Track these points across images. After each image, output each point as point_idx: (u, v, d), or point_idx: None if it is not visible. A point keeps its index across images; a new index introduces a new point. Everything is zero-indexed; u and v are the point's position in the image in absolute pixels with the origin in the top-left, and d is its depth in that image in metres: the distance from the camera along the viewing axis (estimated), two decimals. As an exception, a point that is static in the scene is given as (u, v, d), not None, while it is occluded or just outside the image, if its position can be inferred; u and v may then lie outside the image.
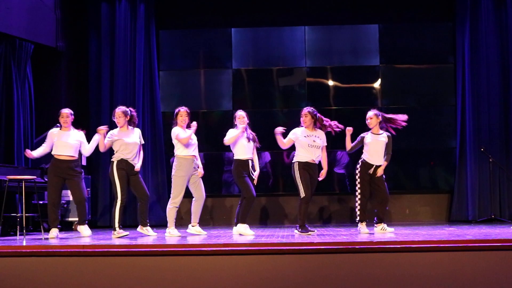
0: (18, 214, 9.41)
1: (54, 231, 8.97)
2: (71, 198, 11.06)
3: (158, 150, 12.18)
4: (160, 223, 11.92)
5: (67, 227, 11.03)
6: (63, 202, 10.96)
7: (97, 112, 12.21)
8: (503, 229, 9.21)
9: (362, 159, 9.07)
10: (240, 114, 9.28)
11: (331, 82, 12.66)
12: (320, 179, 8.80)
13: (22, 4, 11.08)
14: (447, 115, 12.39)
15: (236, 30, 12.77)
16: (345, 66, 12.66)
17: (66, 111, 9.11)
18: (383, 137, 9.16)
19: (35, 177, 9.43)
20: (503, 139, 11.89)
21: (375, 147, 9.03)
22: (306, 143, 8.65)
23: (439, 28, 12.66)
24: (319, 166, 8.75)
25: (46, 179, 10.47)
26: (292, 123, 12.02)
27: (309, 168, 8.65)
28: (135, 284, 6.74)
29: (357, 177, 9.09)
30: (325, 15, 12.72)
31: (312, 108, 8.90)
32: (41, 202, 10.28)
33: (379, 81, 12.56)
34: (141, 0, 12.29)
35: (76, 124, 10.93)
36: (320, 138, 8.72)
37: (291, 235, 8.59)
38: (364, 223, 9.00)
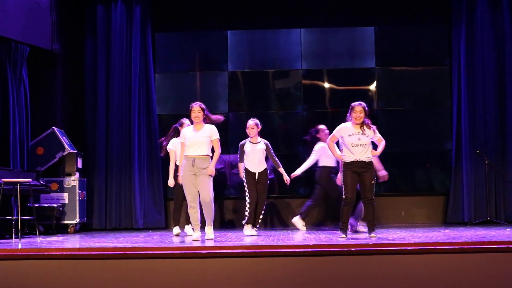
0: (14, 217, 9.40)
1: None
2: (66, 201, 11.10)
3: (154, 153, 12.15)
4: (156, 226, 11.93)
5: (62, 230, 11.01)
6: (59, 204, 10.95)
7: (93, 114, 12.19)
8: (499, 231, 9.23)
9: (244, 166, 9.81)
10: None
11: (327, 85, 12.66)
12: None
13: (18, 6, 11.06)
14: (443, 117, 12.40)
15: (232, 32, 12.77)
16: (341, 68, 12.65)
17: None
18: (261, 145, 9.80)
19: (30, 180, 9.42)
20: (499, 141, 11.90)
21: (252, 156, 9.76)
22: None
23: (435, 31, 12.66)
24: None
25: (43, 182, 10.48)
26: (288, 125, 12.08)
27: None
28: (130, 287, 6.73)
29: (244, 183, 9.79)
30: (321, 18, 12.71)
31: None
32: (36, 205, 10.26)
33: (375, 83, 12.56)
34: (137, 3, 12.27)
35: (71, 127, 10.97)
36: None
37: (287, 237, 8.60)
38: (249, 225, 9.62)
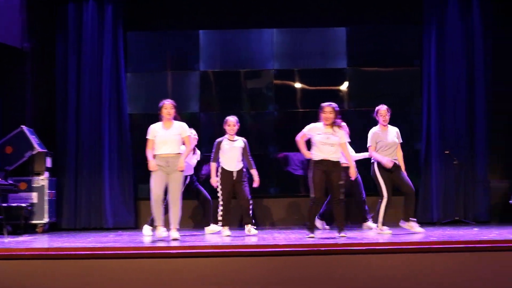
0: (-19, 217, 9.31)
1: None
2: (35, 200, 11.00)
3: (124, 152, 12.10)
4: (126, 226, 11.87)
5: (31, 230, 10.91)
6: (28, 204, 10.86)
7: (63, 113, 12.10)
8: (467, 231, 9.31)
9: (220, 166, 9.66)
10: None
11: (298, 85, 12.68)
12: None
13: (-14, 4, 10.96)
14: (413, 118, 12.47)
15: (204, 32, 12.74)
16: (312, 68, 12.68)
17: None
18: (239, 143, 9.65)
19: (-2, 179, 9.34)
20: (468, 142, 11.99)
21: (229, 154, 9.61)
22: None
23: (406, 32, 12.74)
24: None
25: (11, 182, 10.37)
26: (259, 125, 12.07)
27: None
28: (100, 287, 6.70)
29: (217, 183, 9.66)
30: (293, 18, 12.72)
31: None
32: (4, 205, 10.16)
33: (346, 84, 12.61)
34: (109, 2, 12.20)
35: (41, 126, 10.87)
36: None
37: (257, 237, 8.60)
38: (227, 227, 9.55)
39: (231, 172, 9.61)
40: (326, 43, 12.77)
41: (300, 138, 8.67)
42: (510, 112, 12.35)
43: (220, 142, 9.71)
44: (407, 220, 9.32)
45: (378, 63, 12.69)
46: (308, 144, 8.65)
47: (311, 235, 8.41)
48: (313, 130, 8.56)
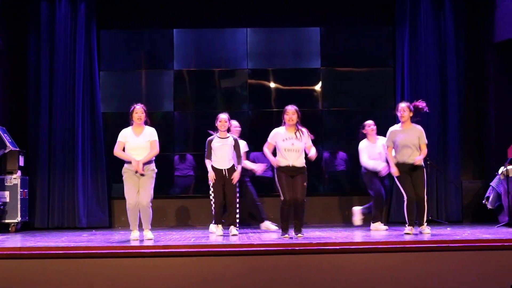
0: None
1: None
2: (7, 200, 10.91)
3: (98, 151, 12.04)
4: (100, 225, 11.81)
5: (3, 229, 10.81)
6: (0, 203, 10.77)
7: (36, 111, 12.00)
8: (439, 230, 9.38)
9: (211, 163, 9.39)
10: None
11: (272, 84, 12.70)
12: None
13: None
14: (386, 118, 12.49)
15: (178, 31, 12.72)
16: (286, 68, 12.71)
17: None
18: (230, 140, 9.42)
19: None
20: (441, 142, 12.09)
21: (220, 152, 9.35)
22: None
23: (379, 32, 12.82)
24: None
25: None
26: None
27: None
28: (73, 286, 6.67)
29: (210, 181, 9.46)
30: (267, 18, 12.75)
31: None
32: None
33: (320, 83, 12.65)
34: (82, 0, 12.14)
35: (13, 125, 10.77)
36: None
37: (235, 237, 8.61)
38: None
39: (222, 171, 9.44)
40: (300, 43, 12.81)
41: (267, 149, 8.68)
42: (482, 112, 12.47)
43: (211, 141, 9.47)
44: (420, 225, 9.10)
45: (351, 64, 12.76)
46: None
47: (286, 235, 8.47)
48: (277, 137, 8.60)
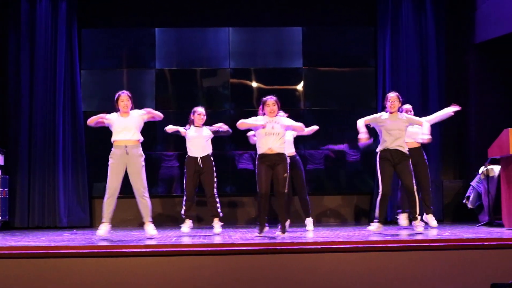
0: None
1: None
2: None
3: (79, 150, 11.99)
4: (81, 224, 11.77)
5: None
6: None
7: (16, 110, 11.92)
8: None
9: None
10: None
11: (254, 84, 12.71)
12: None
13: None
14: (367, 118, 12.58)
15: (160, 30, 12.69)
16: (268, 68, 12.72)
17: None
18: (206, 131, 9.57)
19: None
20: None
21: (196, 141, 9.47)
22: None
23: (361, 32, 12.86)
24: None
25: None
26: (215, 124, 12.02)
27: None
28: (54, 286, 6.64)
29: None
30: (249, 17, 12.76)
31: None
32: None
33: (302, 83, 12.67)
34: (63, -2, 12.10)
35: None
36: None
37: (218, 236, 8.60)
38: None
39: (195, 159, 9.44)
40: (282, 42, 12.82)
41: (243, 124, 8.60)
42: (463, 112, 12.53)
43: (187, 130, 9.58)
44: (413, 218, 9.01)
45: (333, 63, 12.79)
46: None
47: (259, 233, 8.49)
48: (258, 121, 8.53)
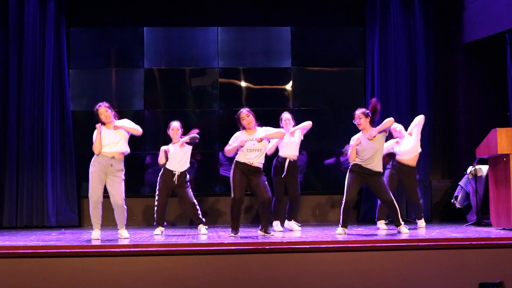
0: None
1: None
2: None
3: (67, 150, 11.95)
4: (69, 224, 11.73)
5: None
6: None
7: (4, 109, 11.84)
8: (409, 230, 9.43)
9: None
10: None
11: (243, 83, 12.71)
12: None
13: None
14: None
15: (148, 29, 12.66)
16: (257, 67, 12.72)
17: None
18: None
19: None
20: (410, 142, 12.17)
21: (175, 156, 9.47)
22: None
23: (350, 32, 12.89)
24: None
25: None
26: (204, 123, 12.02)
27: None
28: (42, 285, 6.63)
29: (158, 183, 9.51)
30: (238, 17, 12.75)
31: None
32: None
33: (290, 83, 12.68)
34: (51, -3, 12.06)
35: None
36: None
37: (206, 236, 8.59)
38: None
39: (172, 172, 9.52)
40: (271, 42, 12.83)
41: (228, 152, 8.75)
42: (451, 112, 12.60)
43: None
44: (397, 226, 9.02)
45: (322, 63, 12.80)
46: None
47: (232, 234, 8.59)
48: (238, 139, 8.69)
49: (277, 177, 9.82)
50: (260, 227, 8.82)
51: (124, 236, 8.56)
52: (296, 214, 10.34)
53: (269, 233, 8.67)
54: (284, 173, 9.74)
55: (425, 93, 12.29)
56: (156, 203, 9.60)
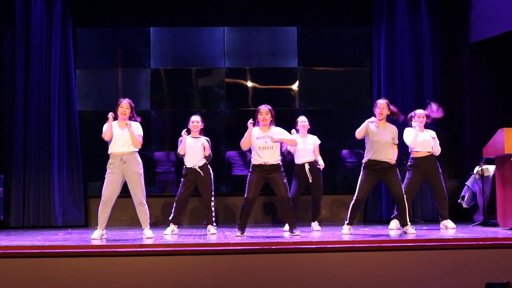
0: None
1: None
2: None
3: (74, 150, 11.96)
4: (75, 224, 11.75)
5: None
6: None
7: (11, 109, 11.88)
8: (416, 230, 9.41)
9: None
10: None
11: (249, 83, 12.71)
12: None
13: None
14: (362, 118, 12.53)
15: (155, 29, 12.68)
16: (263, 67, 12.73)
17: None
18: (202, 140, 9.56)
19: None
20: (417, 142, 12.16)
21: (193, 150, 9.52)
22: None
23: (356, 32, 12.88)
24: None
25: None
26: (211, 123, 12.02)
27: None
28: (48, 285, 6.63)
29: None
30: (244, 17, 12.76)
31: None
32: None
33: (297, 83, 12.68)
34: (58, -3, 12.08)
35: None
36: None
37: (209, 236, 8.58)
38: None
39: (191, 168, 9.49)
40: (277, 42, 12.84)
41: (243, 143, 8.69)
42: (458, 112, 12.57)
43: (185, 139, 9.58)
44: (403, 225, 8.96)
45: (328, 63, 12.81)
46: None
47: (238, 234, 8.57)
48: (252, 135, 8.64)
49: (298, 181, 9.89)
50: (288, 228, 8.81)
51: (148, 235, 8.49)
52: (319, 215, 10.32)
53: (295, 233, 8.59)
54: (310, 178, 9.79)
55: (431, 92, 12.27)
56: (176, 198, 9.56)
